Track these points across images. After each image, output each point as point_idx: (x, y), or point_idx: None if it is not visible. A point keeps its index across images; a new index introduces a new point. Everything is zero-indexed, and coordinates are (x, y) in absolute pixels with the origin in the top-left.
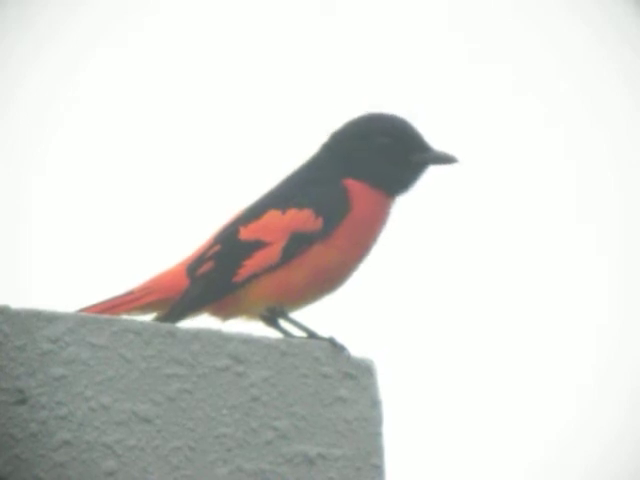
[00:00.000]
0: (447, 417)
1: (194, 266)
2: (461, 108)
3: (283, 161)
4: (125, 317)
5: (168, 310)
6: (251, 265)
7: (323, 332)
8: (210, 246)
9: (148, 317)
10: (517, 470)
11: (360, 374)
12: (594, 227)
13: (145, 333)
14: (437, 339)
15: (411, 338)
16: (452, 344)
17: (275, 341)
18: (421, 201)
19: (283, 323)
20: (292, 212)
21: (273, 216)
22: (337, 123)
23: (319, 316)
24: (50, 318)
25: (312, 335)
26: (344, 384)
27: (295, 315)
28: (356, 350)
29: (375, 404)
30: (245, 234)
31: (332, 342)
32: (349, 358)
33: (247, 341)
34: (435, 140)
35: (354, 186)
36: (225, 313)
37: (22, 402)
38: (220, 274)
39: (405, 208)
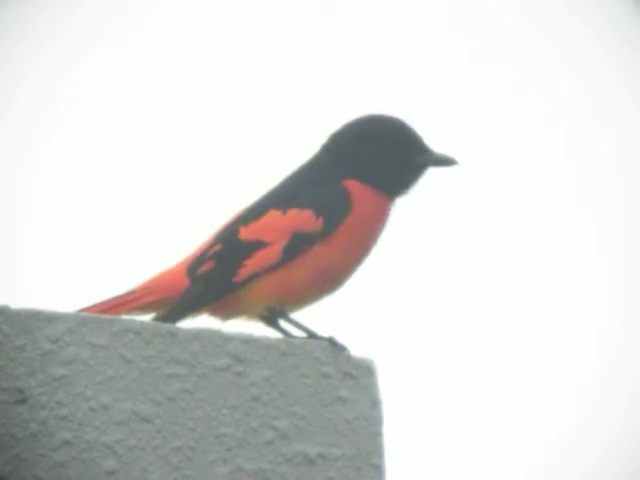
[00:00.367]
0: (447, 417)
1: (194, 266)
2: (461, 108)
3: (283, 161)
4: (125, 317)
5: (168, 310)
6: (251, 265)
7: (323, 332)
8: (210, 246)
9: (148, 317)
10: (517, 470)
11: (360, 374)
12: (594, 227)
13: (145, 333)
14: (437, 339)
15: (411, 338)
16: (452, 344)
17: (275, 341)
18: (421, 201)
19: (283, 323)
20: (293, 212)
21: (274, 216)
22: (337, 123)
23: (319, 316)
24: (50, 318)
25: (312, 335)
26: (344, 384)
27: (295, 315)
28: (356, 350)
29: (375, 404)
30: (245, 234)
31: (332, 342)
32: (349, 358)
33: (247, 341)
34: (435, 140)
35: (355, 187)
36: (225, 313)
37: (22, 402)
38: (220, 274)
39: (406, 208)
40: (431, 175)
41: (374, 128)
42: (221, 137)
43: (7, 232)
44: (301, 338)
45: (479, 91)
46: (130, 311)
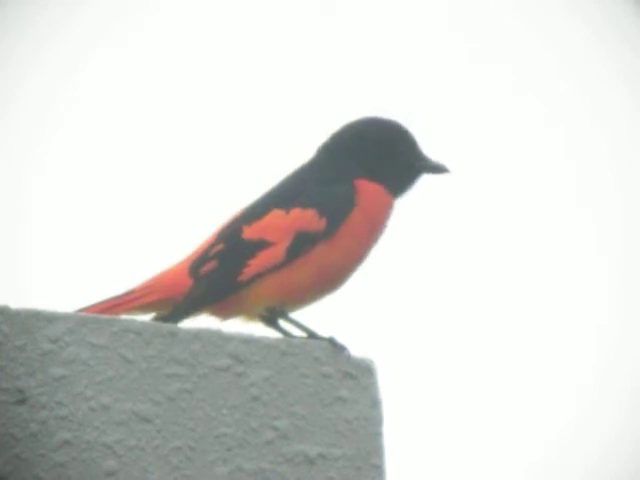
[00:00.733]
0: (447, 417)
1: (197, 265)
2: (461, 108)
3: (283, 161)
4: (125, 317)
5: (172, 309)
6: (256, 265)
7: (323, 332)
8: (212, 245)
9: (148, 317)
10: (517, 470)
11: (360, 374)
12: (594, 227)
13: (145, 333)
14: (437, 339)
15: (411, 338)
16: (452, 344)
17: (275, 341)
18: (422, 201)
19: (283, 323)
20: (296, 212)
21: (277, 216)
22: (337, 123)
23: (319, 316)
24: (50, 318)
25: (312, 335)
26: (344, 384)
27: (295, 315)
28: (356, 350)
29: (375, 404)
30: (249, 233)
31: (332, 342)
32: (349, 358)
33: (247, 341)
34: (435, 140)
35: (364, 185)
36: (226, 313)
37: (22, 402)
38: (225, 273)
39: (406, 208)
40: (428, 179)
41: (376, 129)
42: (221, 137)
43: (7, 232)
44: (301, 338)
45: (479, 91)
46: (130, 311)
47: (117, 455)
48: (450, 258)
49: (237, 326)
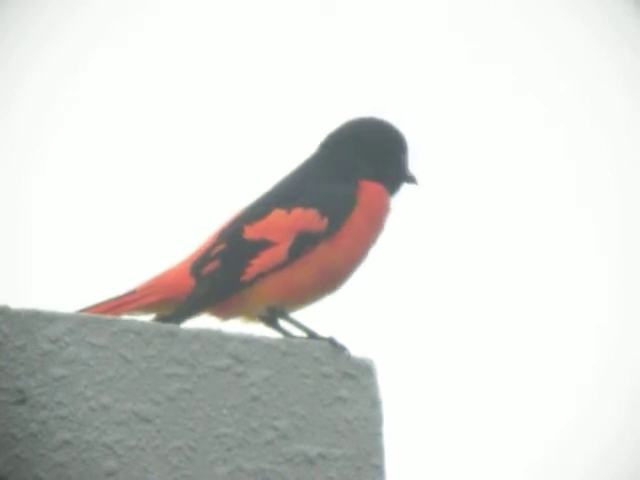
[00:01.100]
0: (447, 417)
1: (198, 265)
2: (461, 108)
3: (283, 160)
4: (125, 317)
5: (175, 310)
6: (258, 264)
7: (323, 332)
8: (214, 245)
9: (149, 317)
10: (517, 470)
11: (360, 374)
12: (594, 227)
13: (145, 333)
14: (437, 339)
15: (411, 338)
16: (452, 344)
17: (275, 341)
18: (422, 201)
19: (283, 323)
20: (297, 212)
21: (278, 216)
22: (336, 123)
23: (319, 316)
24: (50, 318)
25: (312, 335)
26: (344, 384)
27: (295, 315)
28: (356, 350)
29: (375, 404)
30: (250, 233)
31: (332, 342)
32: (349, 358)
33: (247, 341)
34: (435, 141)
35: (366, 184)
36: (226, 313)
37: (22, 402)
38: (228, 273)
39: (406, 208)
40: (433, 172)
41: (376, 130)
42: (221, 136)
43: (7, 232)
44: (301, 338)
45: (479, 91)
46: (131, 311)
47: (117, 455)
48: (450, 258)
49: (237, 326)
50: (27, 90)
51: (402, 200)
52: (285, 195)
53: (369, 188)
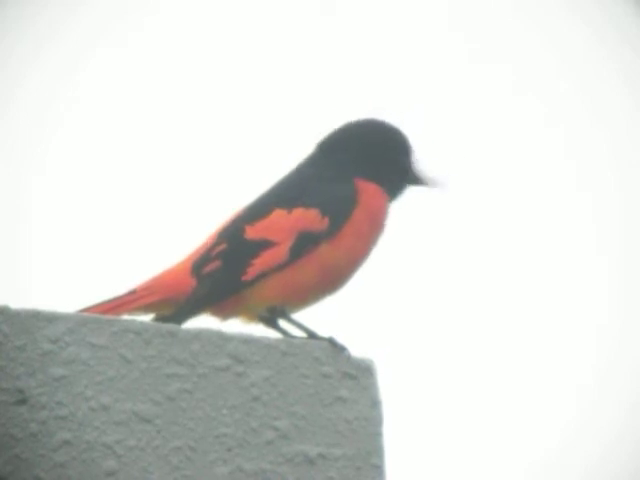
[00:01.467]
0: (447, 417)
1: (199, 265)
2: (461, 108)
3: (282, 160)
4: (125, 317)
5: (175, 309)
6: (259, 264)
7: (323, 332)
8: (214, 244)
9: (149, 317)
10: (517, 470)
11: (360, 374)
12: (594, 227)
13: (145, 333)
14: (437, 339)
15: (411, 338)
16: (452, 344)
17: (275, 341)
18: (422, 202)
19: (283, 323)
20: (299, 211)
21: (279, 215)
22: (336, 123)
23: (319, 316)
24: (50, 318)
25: (312, 335)
26: (344, 384)
27: (295, 315)
28: (356, 350)
29: (375, 404)
30: (251, 233)
31: (332, 342)
32: (349, 358)
33: (247, 341)
34: (435, 141)
35: (364, 185)
36: (227, 313)
37: (22, 402)
38: (229, 273)
39: (406, 208)
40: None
41: (376, 131)
42: (221, 136)
43: (7, 232)
44: (301, 338)
45: (479, 91)
46: (132, 311)
47: (117, 455)
48: (450, 258)
49: (237, 326)
50: (27, 90)
51: (402, 200)
52: (286, 195)
53: (369, 188)
